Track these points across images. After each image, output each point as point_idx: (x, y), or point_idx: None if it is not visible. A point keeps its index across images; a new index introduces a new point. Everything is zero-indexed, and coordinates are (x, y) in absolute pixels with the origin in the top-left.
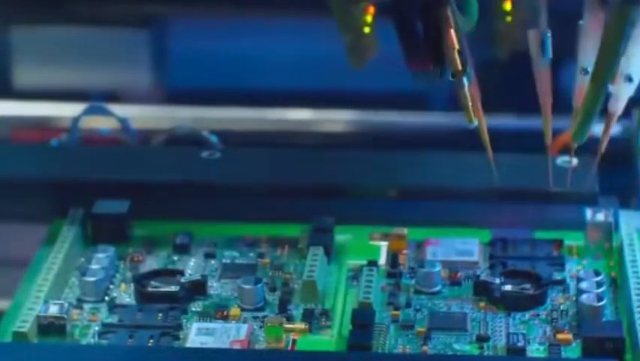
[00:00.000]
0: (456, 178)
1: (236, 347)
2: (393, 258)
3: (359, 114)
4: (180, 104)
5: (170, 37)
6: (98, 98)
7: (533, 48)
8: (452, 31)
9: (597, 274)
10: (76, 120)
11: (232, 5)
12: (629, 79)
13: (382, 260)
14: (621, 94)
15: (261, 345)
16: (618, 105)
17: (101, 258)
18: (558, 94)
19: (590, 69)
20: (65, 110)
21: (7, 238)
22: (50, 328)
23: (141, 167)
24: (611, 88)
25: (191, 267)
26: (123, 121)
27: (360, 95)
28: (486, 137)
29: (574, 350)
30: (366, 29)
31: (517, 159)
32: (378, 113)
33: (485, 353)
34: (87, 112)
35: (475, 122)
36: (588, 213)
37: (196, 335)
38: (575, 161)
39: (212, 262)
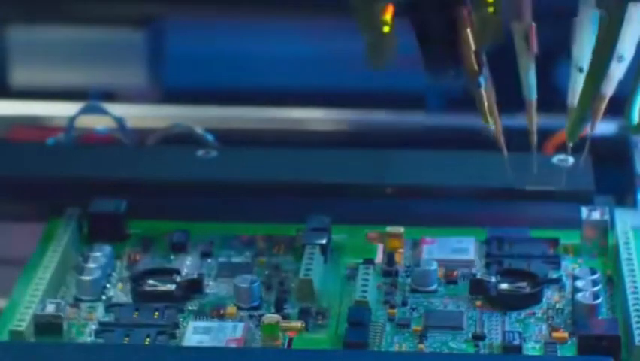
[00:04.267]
0: (452, 177)
1: (233, 345)
2: (389, 257)
3: (356, 113)
4: (177, 103)
5: (166, 37)
6: (94, 97)
7: (518, 42)
8: (469, 31)
9: (593, 272)
10: (72, 119)
11: (228, 5)
12: (621, 58)
13: (378, 259)
14: (613, 75)
15: (257, 344)
16: (610, 86)
17: (98, 257)
18: (555, 92)
19: (585, 67)
20: (62, 110)
21: (3, 237)
22: (47, 327)
23: (137, 166)
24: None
25: (188, 266)
26: (119, 120)
27: (357, 94)
28: (501, 138)
29: (570, 348)
30: (386, 28)
31: (513, 158)
32: (375, 112)
33: (481, 352)
34: (83, 111)
35: (492, 124)
36: (584, 211)
37: (192, 333)
38: (570, 160)
39: (209, 260)
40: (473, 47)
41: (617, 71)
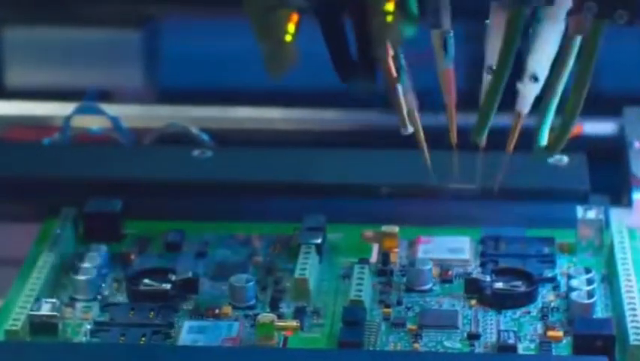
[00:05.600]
0: (447, 177)
1: (228, 345)
2: (384, 256)
3: (353, 113)
4: (172, 103)
5: (162, 37)
6: (90, 97)
7: (436, 48)
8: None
9: (588, 271)
10: (67, 119)
11: (223, 5)
12: (535, 78)
13: (374, 258)
14: (527, 93)
15: (253, 343)
16: (525, 104)
17: (93, 256)
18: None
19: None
20: (57, 110)
21: None
22: (42, 326)
23: (133, 166)
24: (519, 87)
25: (183, 265)
26: (114, 120)
27: (354, 95)
28: (423, 142)
29: (564, 347)
30: (288, 38)
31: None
32: (370, 112)
33: (476, 351)
34: (79, 111)
35: (410, 129)
36: (579, 210)
37: (188, 333)
38: (565, 159)
39: (204, 260)
40: (391, 52)
41: (532, 91)
